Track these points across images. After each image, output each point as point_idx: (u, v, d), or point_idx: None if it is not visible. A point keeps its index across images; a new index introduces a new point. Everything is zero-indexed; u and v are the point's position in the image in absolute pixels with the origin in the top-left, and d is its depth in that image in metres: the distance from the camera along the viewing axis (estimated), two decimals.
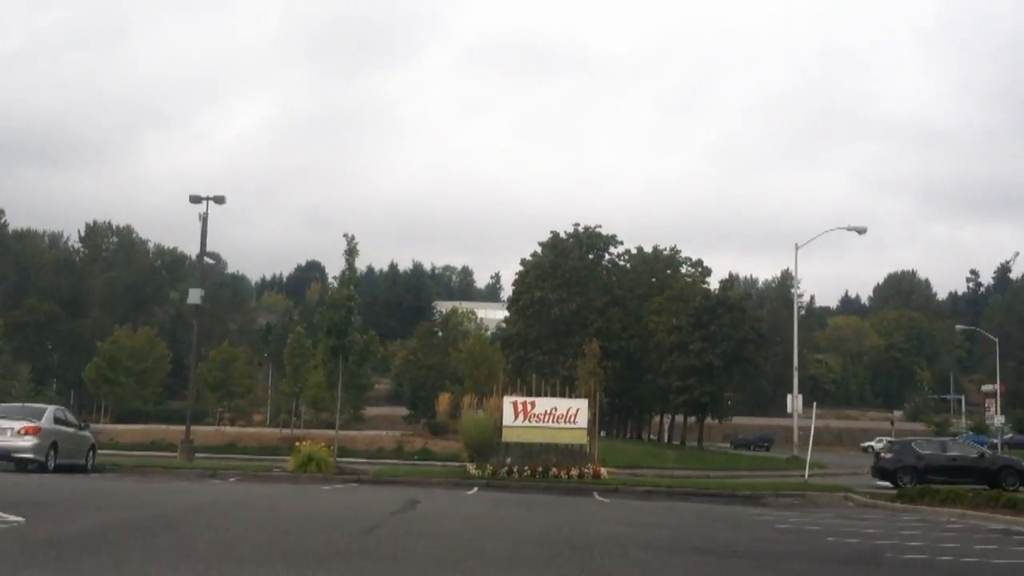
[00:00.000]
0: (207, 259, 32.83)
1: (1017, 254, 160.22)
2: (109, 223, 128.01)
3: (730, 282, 62.57)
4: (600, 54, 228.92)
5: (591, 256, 70.95)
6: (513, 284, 72.46)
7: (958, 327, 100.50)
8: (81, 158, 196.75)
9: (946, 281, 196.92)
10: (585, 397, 32.04)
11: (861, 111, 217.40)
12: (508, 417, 31.04)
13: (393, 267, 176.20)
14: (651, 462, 44.29)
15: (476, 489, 27.61)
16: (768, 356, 67.05)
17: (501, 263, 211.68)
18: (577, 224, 70.27)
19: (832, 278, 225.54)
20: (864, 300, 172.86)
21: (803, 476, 41.33)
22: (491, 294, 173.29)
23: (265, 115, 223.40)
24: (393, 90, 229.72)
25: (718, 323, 59.54)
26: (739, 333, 59.65)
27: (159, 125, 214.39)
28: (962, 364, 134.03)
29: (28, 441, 24.42)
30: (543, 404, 31.19)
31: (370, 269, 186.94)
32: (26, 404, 29.52)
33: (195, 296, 32.80)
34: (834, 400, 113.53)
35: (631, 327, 66.98)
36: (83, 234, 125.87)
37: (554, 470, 30.19)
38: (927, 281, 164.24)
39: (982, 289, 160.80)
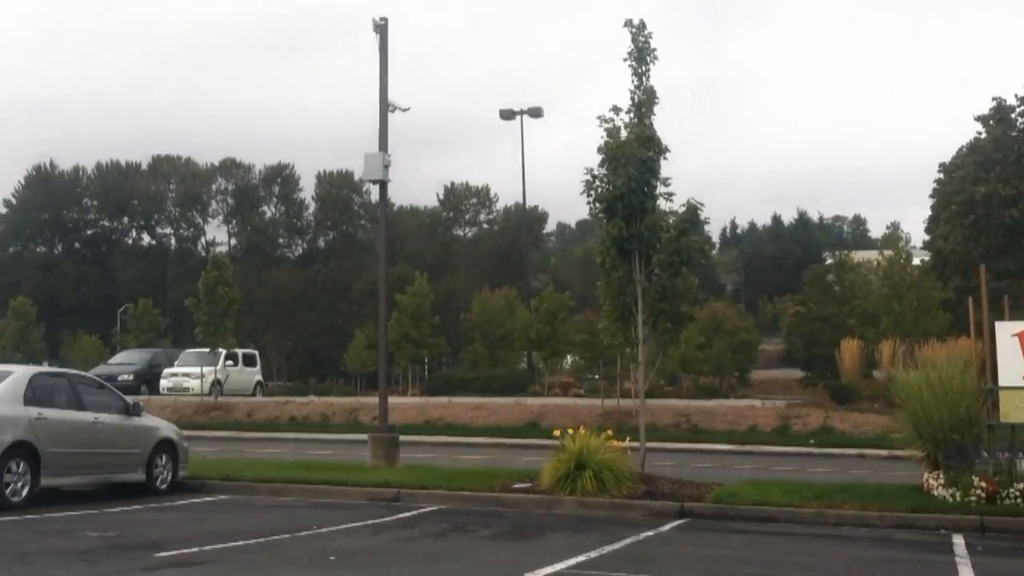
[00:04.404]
0: None
1: None
2: (51, 161, 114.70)
3: None
4: None
5: None
6: (935, 183, 50.02)
7: None
8: None
9: None
10: None
11: None
12: (1008, 370, 14.03)
13: (776, 219, 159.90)
14: None
15: None
16: None
17: (899, 213, 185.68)
18: None
19: None
20: None
21: None
22: (888, 244, 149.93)
23: None
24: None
25: None
26: None
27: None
28: None
29: None
30: None
31: (752, 225, 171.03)
32: None
33: None
34: None
35: None
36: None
37: None
38: None
39: None
